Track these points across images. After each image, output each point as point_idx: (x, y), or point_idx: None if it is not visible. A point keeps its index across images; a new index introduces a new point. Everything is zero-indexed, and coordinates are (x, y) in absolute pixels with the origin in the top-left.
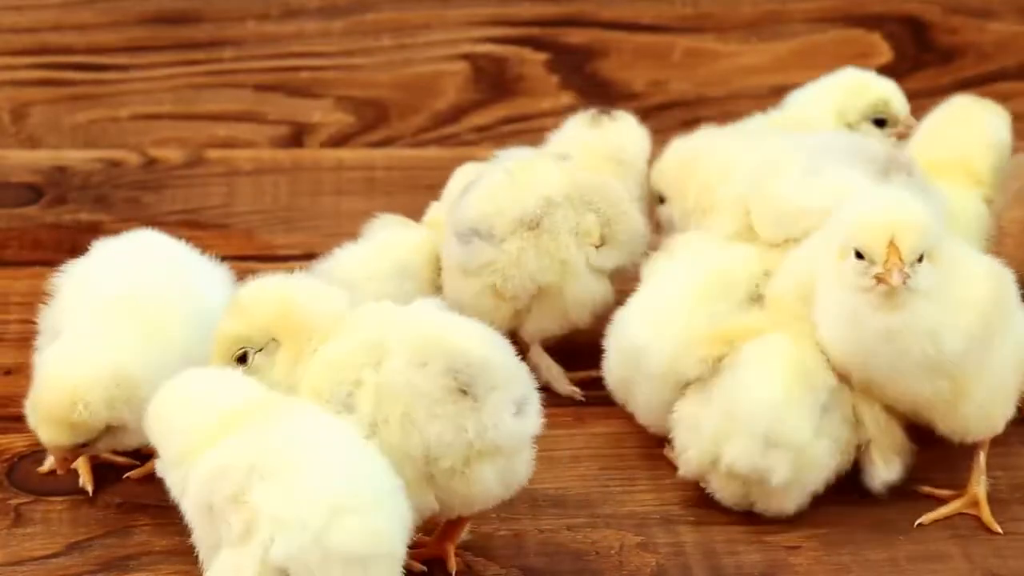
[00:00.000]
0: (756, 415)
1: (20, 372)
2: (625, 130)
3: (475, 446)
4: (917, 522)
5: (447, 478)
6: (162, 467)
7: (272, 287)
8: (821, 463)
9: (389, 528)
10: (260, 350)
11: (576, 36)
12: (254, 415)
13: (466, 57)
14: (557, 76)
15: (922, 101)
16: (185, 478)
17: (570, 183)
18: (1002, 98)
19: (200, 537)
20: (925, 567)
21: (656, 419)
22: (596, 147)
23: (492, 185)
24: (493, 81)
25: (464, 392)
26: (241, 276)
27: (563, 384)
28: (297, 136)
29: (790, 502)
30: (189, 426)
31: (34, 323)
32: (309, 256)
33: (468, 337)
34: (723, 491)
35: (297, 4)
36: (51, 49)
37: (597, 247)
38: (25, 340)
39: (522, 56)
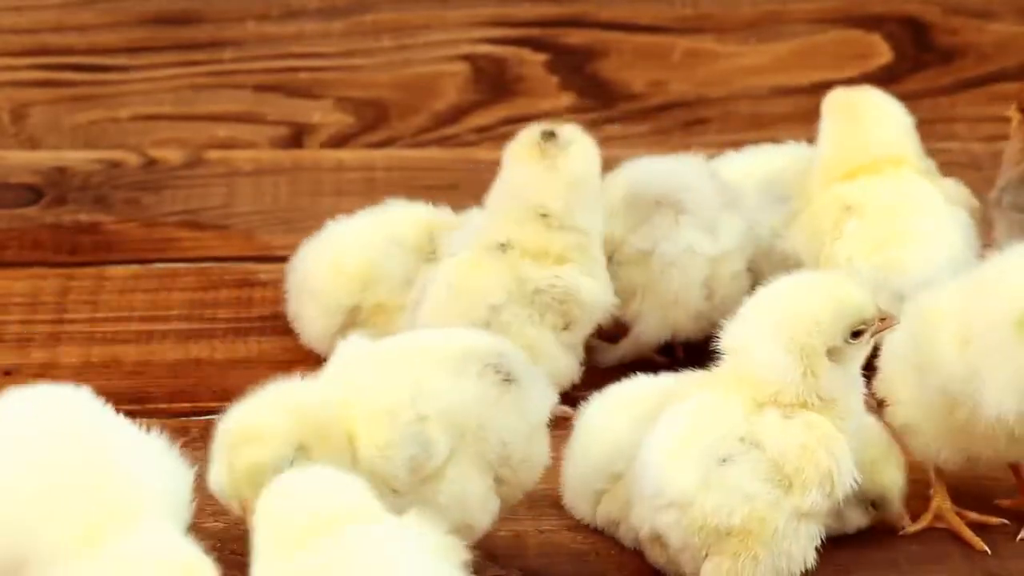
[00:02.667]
0: (644, 477)
1: (20, 373)
2: (575, 157)
3: (533, 426)
4: (901, 532)
5: (517, 471)
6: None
7: (272, 404)
8: (717, 519)
9: None
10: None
11: (576, 37)
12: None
13: (466, 58)
14: (557, 77)
15: (922, 102)
16: None
17: (514, 280)
18: (1002, 99)
19: None
20: (925, 567)
21: None
22: (550, 187)
23: (437, 302)
24: (493, 82)
25: (508, 380)
26: (241, 276)
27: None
28: (297, 136)
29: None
30: (284, 523)
31: (34, 323)
32: None
33: (472, 336)
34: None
35: (297, 5)
36: (51, 50)
37: (564, 329)
38: (25, 341)
39: (522, 57)
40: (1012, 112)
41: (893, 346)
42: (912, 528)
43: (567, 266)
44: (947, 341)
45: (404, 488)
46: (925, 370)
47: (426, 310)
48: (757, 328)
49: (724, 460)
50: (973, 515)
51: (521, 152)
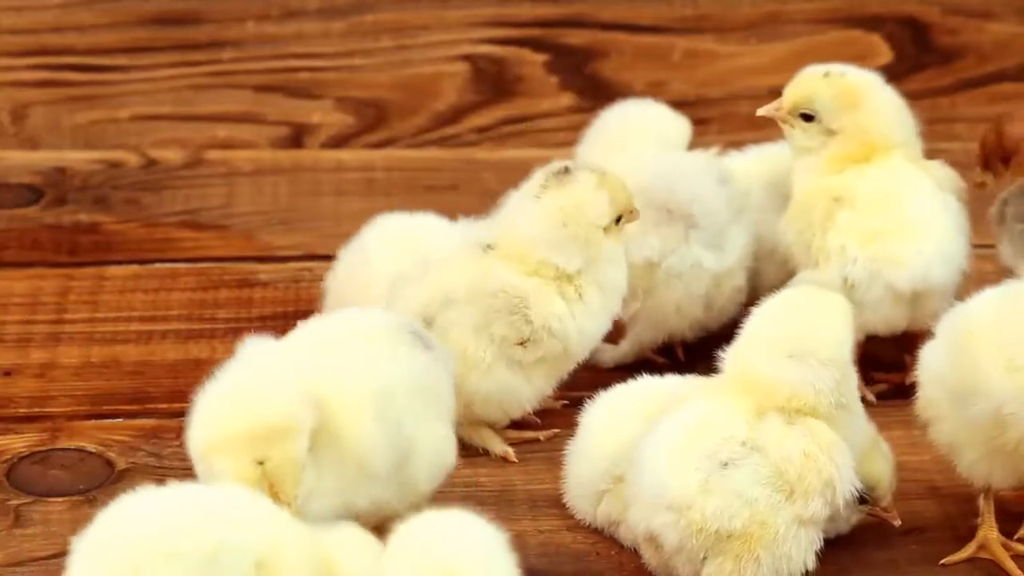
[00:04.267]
0: (642, 478)
1: (20, 373)
2: (564, 195)
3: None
4: (941, 562)
5: None
6: None
7: (289, 394)
8: (716, 523)
9: None
10: None
11: (576, 37)
12: None
13: (466, 58)
14: (557, 77)
15: (922, 102)
16: None
17: (481, 279)
18: (1002, 99)
19: None
20: (925, 568)
21: None
22: (531, 216)
23: (418, 281)
24: (493, 82)
25: (427, 346)
26: (241, 276)
27: (497, 445)
28: (297, 137)
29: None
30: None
31: (34, 323)
32: (309, 257)
33: (377, 312)
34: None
35: (297, 5)
36: (51, 50)
37: (522, 344)
38: (25, 341)
39: (522, 57)
40: (982, 176)
41: (930, 369)
42: (952, 559)
43: (536, 279)
44: (992, 365)
45: (385, 469)
46: (970, 395)
47: (406, 291)
48: (762, 345)
49: (726, 464)
50: (1022, 548)
51: (529, 184)
